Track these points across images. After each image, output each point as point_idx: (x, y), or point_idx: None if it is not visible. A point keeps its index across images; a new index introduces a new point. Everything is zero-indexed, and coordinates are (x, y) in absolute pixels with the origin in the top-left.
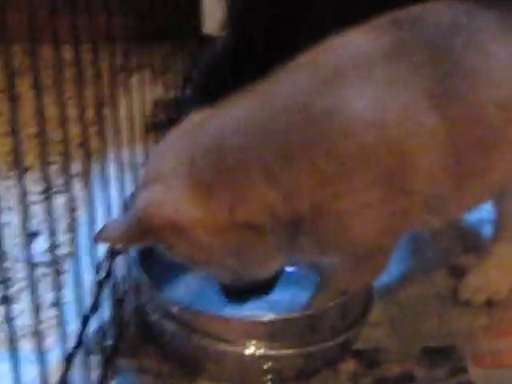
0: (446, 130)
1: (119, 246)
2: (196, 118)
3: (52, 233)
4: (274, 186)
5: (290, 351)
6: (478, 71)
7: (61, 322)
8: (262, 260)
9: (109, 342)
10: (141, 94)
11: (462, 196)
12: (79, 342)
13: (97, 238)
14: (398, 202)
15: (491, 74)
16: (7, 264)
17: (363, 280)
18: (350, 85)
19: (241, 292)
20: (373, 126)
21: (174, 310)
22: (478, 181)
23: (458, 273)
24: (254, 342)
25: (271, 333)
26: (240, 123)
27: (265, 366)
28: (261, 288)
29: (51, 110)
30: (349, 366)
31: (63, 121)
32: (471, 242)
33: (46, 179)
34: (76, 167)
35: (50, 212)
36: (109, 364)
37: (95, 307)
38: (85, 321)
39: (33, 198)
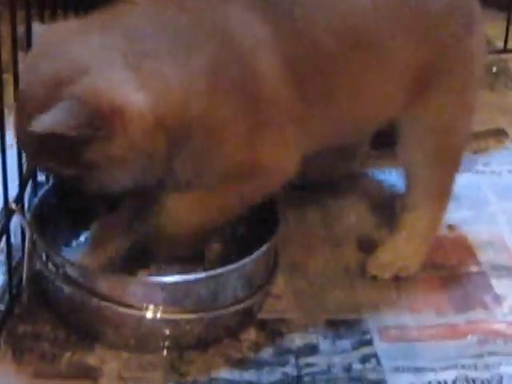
0: (281, 46)
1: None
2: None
3: None
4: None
5: (189, 316)
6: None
7: None
8: (157, 172)
9: (1, 307)
10: None
11: (310, 122)
12: None
13: (35, 126)
14: (257, 112)
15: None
16: None
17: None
18: None
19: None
20: (225, 40)
21: (70, 271)
22: (322, 107)
23: (368, 247)
24: (152, 305)
25: (170, 296)
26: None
27: (163, 332)
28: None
29: None
30: (250, 335)
31: None
32: (383, 217)
33: None
34: None
35: None
36: (1, 329)
37: None
38: None
39: None
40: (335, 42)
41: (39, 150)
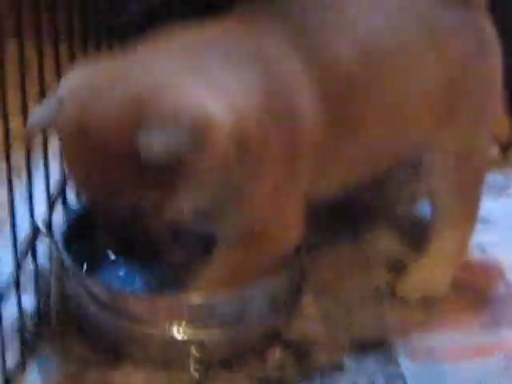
0: (313, 79)
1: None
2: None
3: None
4: None
5: (214, 335)
6: (329, 25)
7: None
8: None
9: (29, 327)
10: None
11: (344, 150)
12: None
13: (146, 152)
14: (291, 164)
15: (344, 29)
16: None
17: (254, 264)
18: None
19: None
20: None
21: (98, 291)
22: (355, 135)
23: (398, 269)
24: (178, 324)
25: (196, 315)
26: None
27: (188, 350)
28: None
29: None
30: (275, 354)
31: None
32: (414, 240)
33: None
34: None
35: None
36: (28, 348)
37: (15, 287)
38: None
39: None
40: (361, 67)
41: (124, 180)
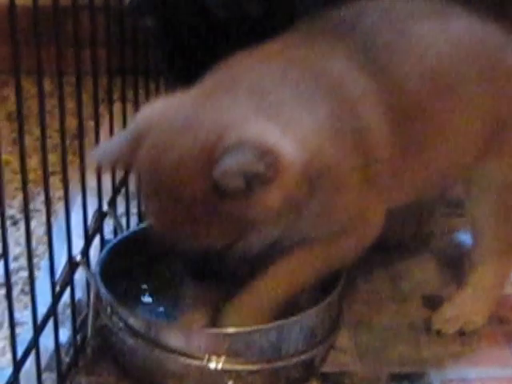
0: (380, 97)
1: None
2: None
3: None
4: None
5: (251, 367)
6: (394, 46)
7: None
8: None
9: (65, 359)
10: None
11: (403, 170)
12: (28, 352)
13: (219, 173)
14: (366, 165)
15: (410, 49)
16: None
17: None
18: None
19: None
20: (336, 92)
21: (134, 323)
22: (420, 153)
23: (434, 303)
24: (216, 356)
25: (233, 347)
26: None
27: (225, 383)
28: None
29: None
30: None
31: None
32: (450, 275)
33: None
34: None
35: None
36: (64, 381)
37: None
38: (37, 332)
39: None
40: (423, 88)
41: (199, 222)
